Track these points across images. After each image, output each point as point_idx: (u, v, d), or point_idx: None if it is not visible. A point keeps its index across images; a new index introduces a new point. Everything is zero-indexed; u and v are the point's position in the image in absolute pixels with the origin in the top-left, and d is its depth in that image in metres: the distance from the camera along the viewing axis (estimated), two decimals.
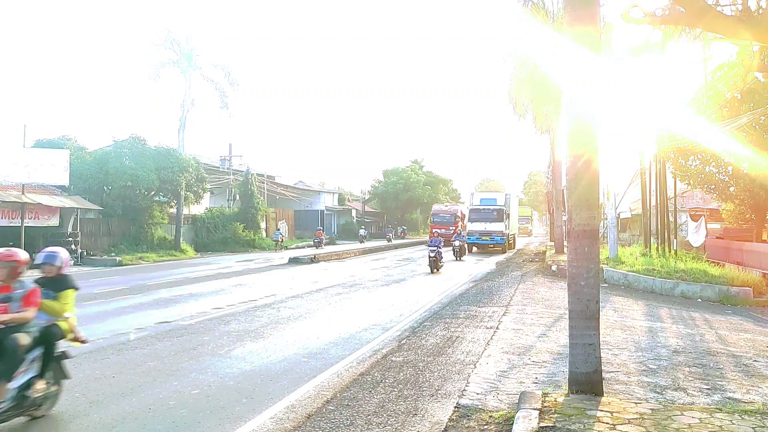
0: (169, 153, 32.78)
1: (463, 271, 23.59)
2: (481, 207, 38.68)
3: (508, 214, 38.71)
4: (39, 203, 24.38)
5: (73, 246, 26.35)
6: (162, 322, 11.45)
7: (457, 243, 30.37)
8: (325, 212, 57.98)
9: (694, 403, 6.30)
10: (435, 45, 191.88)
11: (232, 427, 5.80)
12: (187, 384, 7.22)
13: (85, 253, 27.05)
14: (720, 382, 7.33)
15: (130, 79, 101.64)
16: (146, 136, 32.68)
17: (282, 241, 39.51)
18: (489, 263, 28.30)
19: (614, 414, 5.39)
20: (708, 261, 20.41)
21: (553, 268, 23.44)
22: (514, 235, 44.51)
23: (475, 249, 37.59)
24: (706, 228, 24.15)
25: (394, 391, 6.89)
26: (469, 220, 38.85)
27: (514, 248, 42.54)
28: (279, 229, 41.65)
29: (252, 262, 28.61)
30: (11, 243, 24.00)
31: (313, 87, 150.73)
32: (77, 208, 27.07)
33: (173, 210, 34.18)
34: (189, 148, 38.00)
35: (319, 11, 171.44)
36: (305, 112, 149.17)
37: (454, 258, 29.82)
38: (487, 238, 36.68)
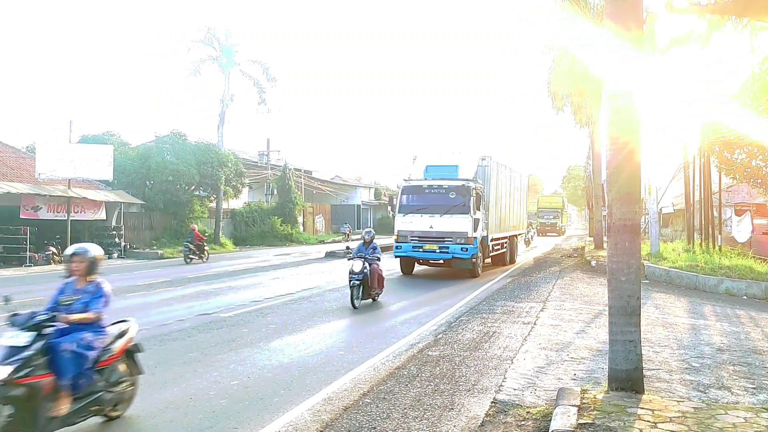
0: (209, 148, 33.34)
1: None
2: (426, 184, 19.36)
3: (481, 198, 19.55)
4: (84, 197, 25.09)
5: (117, 239, 27.14)
6: (202, 314, 11.67)
7: (359, 267, 12.72)
8: (362, 207, 58.14)
9: (738, 403, 6.14)
10: (472, 42, 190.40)
11: (270, 417, 5.89)
12: (226, 375, 7.36)
13: (128, 246, 27.83)
14: (766, 382, 7.12)
15: (170, 75, 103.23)
16: (187, 132, 33.37)
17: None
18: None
19: (655, 412, 5.29)
20: (754, 257, 19.80)
21: (593, 263, 23.09)
22: (507, 239, 23.47)
23: (422, 266, 20.85)
24: (752, 223, 23.44)
25: (431, 385, 6.89)
26: (401, 210, 19.44)
27: (507, 264, 23.51)
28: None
29: (289, 255, 28.93)
30: (58, 236, 24.82)
31: (350, 84, 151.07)
32: (121, 203, 27.79)
33: (213, 204, 34.80)
34: (228, 144, 38.55)
35: (357, 10, 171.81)
36: (342, 108, 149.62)
37: (362, 297, 12.84)
38: (434, 247, 18.57)
